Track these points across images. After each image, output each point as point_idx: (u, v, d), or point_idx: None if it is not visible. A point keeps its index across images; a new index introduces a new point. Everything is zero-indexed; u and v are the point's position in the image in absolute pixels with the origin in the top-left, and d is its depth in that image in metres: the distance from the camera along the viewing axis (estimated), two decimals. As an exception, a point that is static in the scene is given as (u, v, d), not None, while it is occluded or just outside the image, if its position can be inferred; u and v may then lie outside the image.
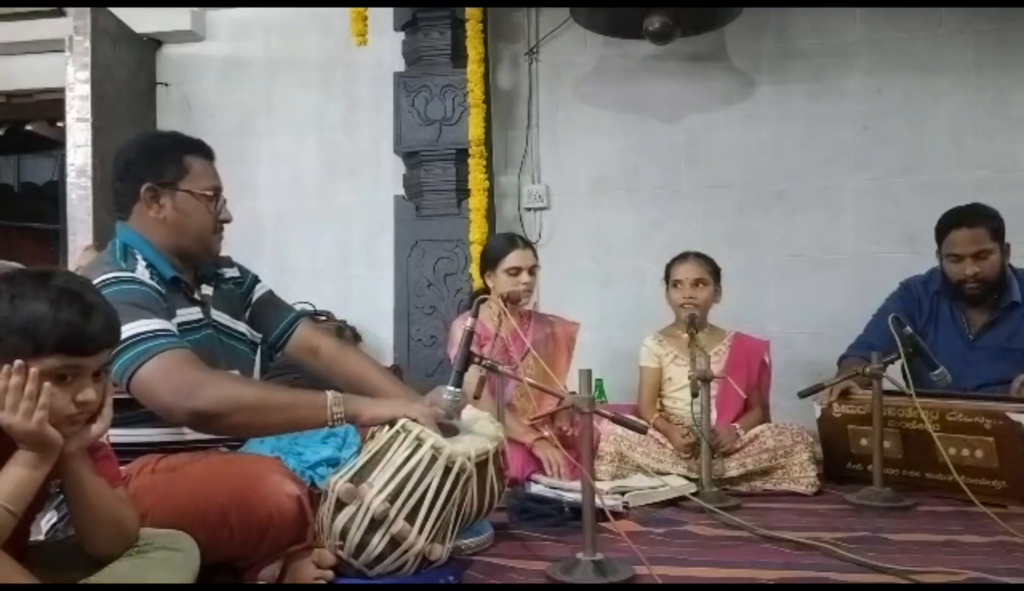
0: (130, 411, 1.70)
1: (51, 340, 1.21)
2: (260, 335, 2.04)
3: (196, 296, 1.88)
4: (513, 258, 2.85)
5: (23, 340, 1.20)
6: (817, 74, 3.87)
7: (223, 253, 2.02)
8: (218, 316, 1.91)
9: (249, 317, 2.03)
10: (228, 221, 1.93)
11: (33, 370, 1.19)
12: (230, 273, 2.03)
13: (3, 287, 1.23)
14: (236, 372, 1.88)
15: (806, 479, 2.56)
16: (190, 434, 1.78)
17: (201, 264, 1.94)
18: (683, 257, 2.96)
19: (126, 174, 1.86)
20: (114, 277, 1.69)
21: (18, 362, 1.19)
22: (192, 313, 1.84)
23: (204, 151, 1.92)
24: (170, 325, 1.70)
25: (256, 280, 2.08)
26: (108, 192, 3.82)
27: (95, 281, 1.67)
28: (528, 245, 2.95)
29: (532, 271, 2.87)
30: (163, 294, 1.76)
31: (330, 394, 1.70)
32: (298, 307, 3.86)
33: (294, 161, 4.32)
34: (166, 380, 1.61)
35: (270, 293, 2.10)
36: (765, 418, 2.84)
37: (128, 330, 1.59)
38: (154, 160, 1.85)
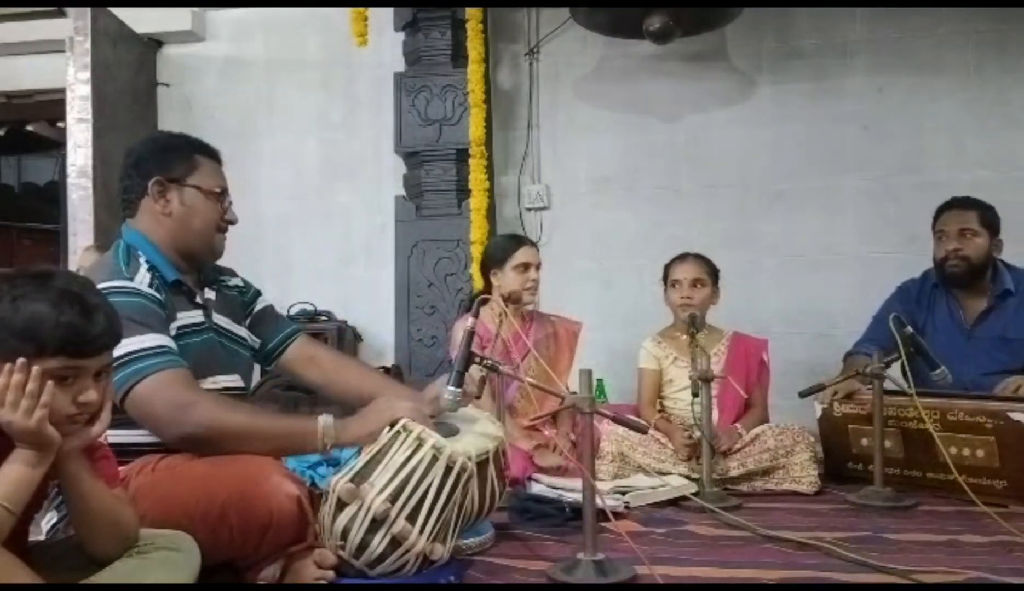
0: (130, 411, 1.71)
1: (52, 342, 1.20)
2: (258, 340, 2.05)
3: (198, 300, 1.89)
4: (522, 254, 2.87)
5: (24, 341, 1.20)
6: (817, 74, 3.87)
7: (227, 264, 2.03)
8: (219, 320, 1.91)
9: (248, 325, 2.04)
10: (233, 222, 1.94)
11: (35, 368, 1.19)
12: (233, 281, 2.05)
13: (4, 288, 1.23)
14: (236, 376, 1.89)
15: (807, 479, 2.56)
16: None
17: (204, 265, 1.95)
18: (681, 258, 2.97)
19: (134, 170, 1.87)
20: (112, 287, 1.68)
21: (20, 360, 1.19)
22: (194, 316, 1.84)
23: (214, 153, 1.94)
24: (167, 340, 1.70)
25: (259, 294, 2.10)
26: (109, 192, 3.84)
27: None
28: (532, 243, 2.99)
29: (538, 268, 2.89)
30: (162, 301, 1.76)
31: (321, 421, 1.70)
32: (298, 307, 3.94)
33: (295, 161, 4.33)
34: (159, 402, 1.62)
35: (271, 307, 2.12)
36: (765, 418, 2.84)
37: (125, 346, 1.58)
38: (164, 156, 1.87)
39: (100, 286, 1.65)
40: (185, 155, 1.87)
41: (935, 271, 2.86)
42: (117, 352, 1.57)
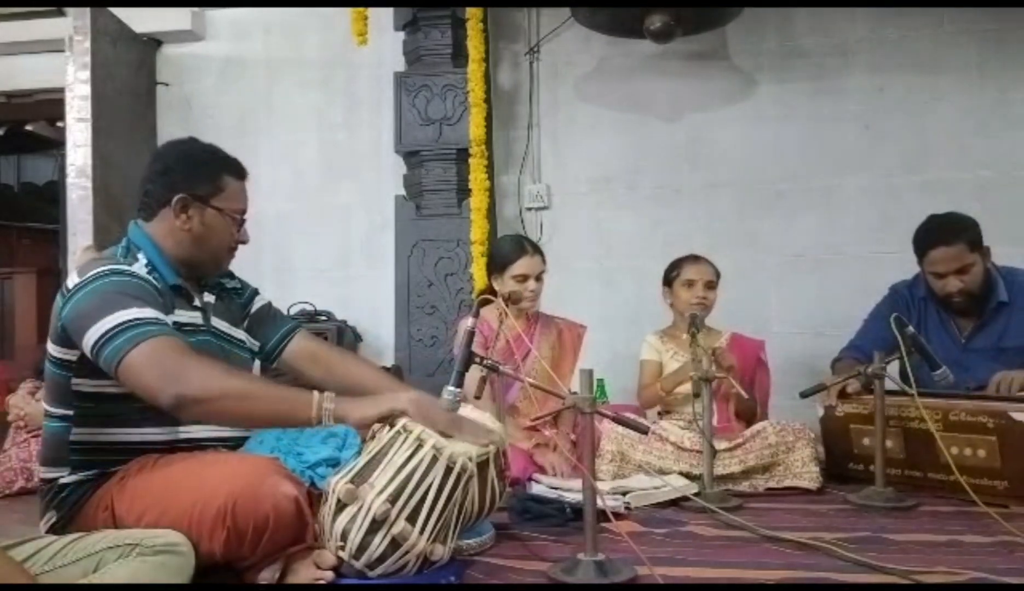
0: (127, 406, 1.70)
1: None
2: (258, 343, 2.04)
3: (197, 303, 1.89)
4: (521, 265, 2.84)
5: None
6: (818, 73, 3.86)
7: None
8: (217, 323, 1.91)
9: (247, 327, 2.04)
10: (245, 243, 1.94)
11: None
12: (231, 284, 2.04)
13: None
14: None
15: (808, 474, 2.55)
16: (188, 433, 1.78)
17: (206, 276, 1.95)
18: (694, 258, 2.98)
19: (160, 178, 1.85)
20: (109, 269, 1.70)
21: None
22: (192, 316, 1.84)
23: (240, 172, 1.92)
24: (163, 315, 1.70)
25: (256, 292, 2.09)
26: (108, 192, 3.83)
27: (90, 273, 1.68)
28: (537, 250, 2.93)
29: (539, 277, 2.88)
30: (160, 289, 1.76)
31: (317, 392, 1.67)
32: (298, 307, 3.94)
33: (294, 161, 4.32)
34: (154, 364, 1.59)
35: (269, 304, 2.11)
36: (764, 417, 2.84)
37: (118, 317, 1.60)
38: (192, 172, 1.85)
39: (95, 270, 1.67)
40: (213, 174, 1.86)
41: (934, 295, 2.78)
42: (110, 323, 1.59)
